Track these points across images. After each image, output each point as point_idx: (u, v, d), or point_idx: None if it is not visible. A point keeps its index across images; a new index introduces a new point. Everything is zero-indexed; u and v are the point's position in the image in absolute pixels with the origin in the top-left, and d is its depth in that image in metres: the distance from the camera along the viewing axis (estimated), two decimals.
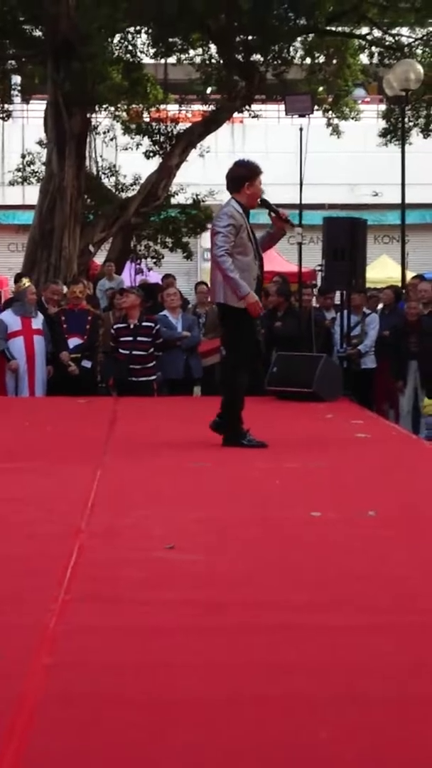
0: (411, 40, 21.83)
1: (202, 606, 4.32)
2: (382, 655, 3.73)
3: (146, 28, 20.48)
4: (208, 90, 22.37)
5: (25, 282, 14.21)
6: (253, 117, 22.62)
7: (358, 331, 13.96)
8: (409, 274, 19.14)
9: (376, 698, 3.35)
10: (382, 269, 25.83)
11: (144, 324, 12.75)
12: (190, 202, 22.40)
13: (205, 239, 30.45)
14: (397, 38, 21.84)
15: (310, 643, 3.89)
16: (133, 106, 22.34)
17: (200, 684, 3.49)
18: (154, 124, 21.87)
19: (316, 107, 19.23)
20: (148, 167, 21.46)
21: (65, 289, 14.63)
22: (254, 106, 22.15)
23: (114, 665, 3.64)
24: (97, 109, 21.11)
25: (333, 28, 21.36)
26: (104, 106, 21.72)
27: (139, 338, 12.65)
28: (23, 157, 23.41)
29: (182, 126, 21.82)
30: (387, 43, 21.92)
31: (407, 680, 3.51)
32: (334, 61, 22.30)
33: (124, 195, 21.99)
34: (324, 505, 6.22)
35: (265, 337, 13.12)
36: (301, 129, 14.09)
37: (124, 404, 11.83)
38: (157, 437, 9.55)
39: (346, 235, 13.16)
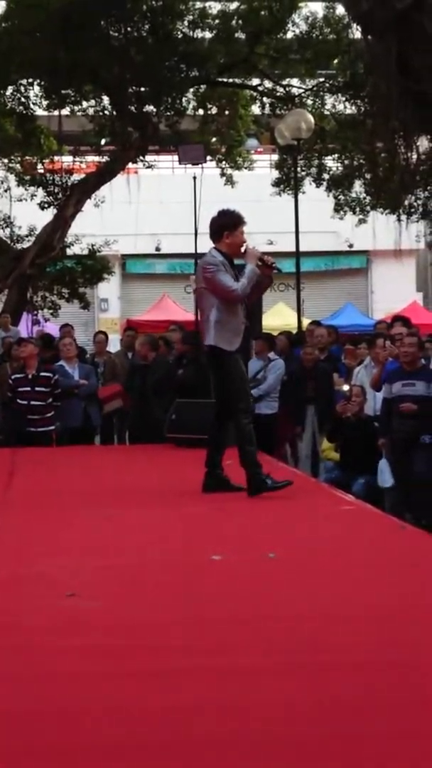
0: (301, 90, 22.18)
1: (106, 652, 4.29)
2: (286, 696, 3.73)
3: (39, 80, 20.52)
4: (102, 141, 22.45)
5: None
6: (147, 167, 22.75)
7: (261, 375, 14.03)
8: (305, 321, 19.33)
9: (281, 739, 3.35)
10: (278, 316, 26.06)
11: (42, 374, 12.72)
12: (86, 252, 22.41)
13: (101, 289, 30.57)
14: (288, 89, 22.17)
15: (215, 685, 3.88)
16: (27, 157, 22.32)
17: (106, 730, 3.46)
18: (48, 175, 21.87)
19: (209, 157, 19.44)
20: (43, 218, 21.44)
21: None
22: (148, 157, 22.30)
23: (18, 712, 3.60)
24: None
25: (225, 79, 21.62)
26: None
27: (37, 388, 12.60)
28: None
29: (77, 177, 21.87)
30: (278, 94, 22.23)
31: (312, 721, 3.52)
32: (227, 112, 22.55)
33: (19, 246, 21.92)
34: (225, 549, 6.23)
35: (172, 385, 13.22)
36: (195, 178, 14.20)
37: (23, 455, 11.74)
38: (57, 487, 9.49)
39: None
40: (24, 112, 21.15)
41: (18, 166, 22.65)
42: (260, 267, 8.79)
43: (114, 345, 17.88)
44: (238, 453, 8.64)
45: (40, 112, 21.75)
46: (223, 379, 8.78)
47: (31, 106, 21.20)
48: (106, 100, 21.35)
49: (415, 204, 21.42)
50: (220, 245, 8.65)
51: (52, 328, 21.80)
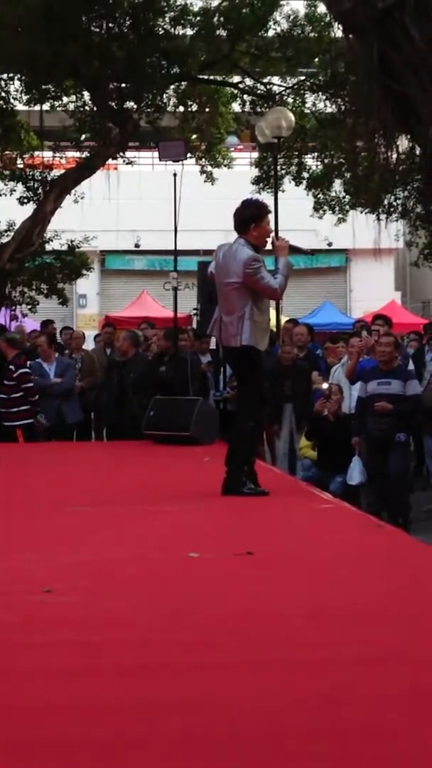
0: (282, 88, 22.18)
1: (80, 647, 4.29)
2: (262, 693, 3.74)
3: (19, 75, 20.46)
4: (82, 137, 22.39)
5: None
6: (127, 164, 22.72)
7: None
8: (284, 319, 19.35)
9: (256, 737, 3.35)
10: None
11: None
12: (65, 248, 22.36)
13: (80, 285, 30.50)
14: (268, 87, 22.16)
15: (190, 682, 3.88)
16: (7, 152, 22.25)
17: (79, 726, 3.44)
18: (28, 170, 21.81)
19: (189, 154, 19.40)
20: (22, 213, 21.37)
21: None
22: (128, 153, 22.26)
23: None
24: None
25: (205, 76, 21.59)
26: None
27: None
28: None
29: (56, 172, 21.81)
30: (259, 92, 22.23)
31: (287, 717, 3.52)
32: (207, 109, 22.53)
33: None
34: (202, 546, 6.24)
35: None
36: (174, 175, 14.19)
37: None
38: (30, 484, 9.49)
39: None
40: (4, 106, 21.08)
41: None
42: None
43: (89, 342, 17.83)
44: (228, 448, 8.60)
45: (20, 107, 21.70)
46: (248, 380, 8.67)
47: (11, 100, 21.14)
48: (86, 95, 21.30)
49: (394, 203, 21.44)
50: (248, 236, 8.52)
51: (31, 323, 21.77)
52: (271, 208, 18.84)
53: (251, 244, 8.50)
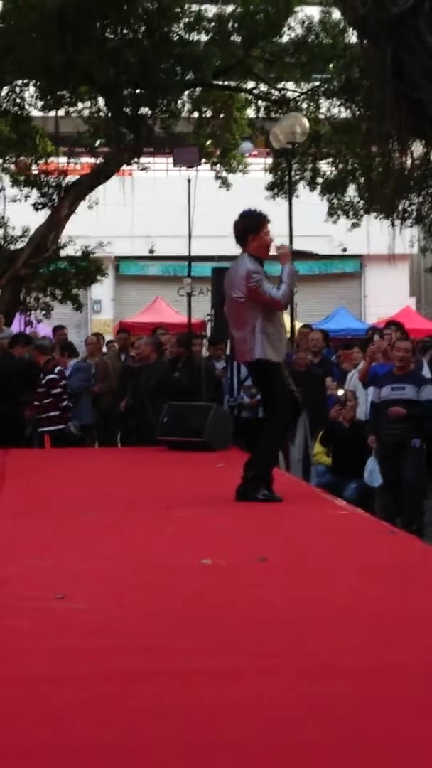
0: (296, 94, 22.18)
1: (90, 654, 4.28)
2: (273, 700, 3.73)
3: (34, 81, 20.51)
4: (97, 142, 22.44)
5: None
6: (141, 169, 22.75)
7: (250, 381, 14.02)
8: (298, 325, 19.33)
9: (267, 744, 3.34)
10: None
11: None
12: (79, 254, 22.39)
13: (94, 291, 30.55)
14: (282, 92, 22.17)
15: (203, 688, 3.88)
16: (22, 158, 22.30)
17: (90, 732, 3.45)
18: (42, 176, 21.86)
19: (204, 160, 19.43)
20: (37, 219, 21.42)
21: None
22: (143, 159, 22.29)
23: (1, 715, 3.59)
24: None
25: (220, 82, 21.61)
26: None
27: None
28: None
29: (71, 178, 21.85)
30: (273, 97, 22.24)
31: (296, 724, 3.51)
32: (222, 115, 22.55)
33: (12, 247, 21.88)
34: (215, 552, 6.22)
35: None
36: (189, 181, 14.19)
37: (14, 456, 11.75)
38: (46, 489, 9.49)
39: None
40: (19, 112, 21.14)
41: (12, 166, 22.63)
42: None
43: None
44: (251, 455, 8.57)
45: (35, 112, 21.74)
46: (271, 392, 8.58)
47: (26, 106, 21.19)
48: (101, 101, 21.35)
49: (408, 209, 21.42)
50: (248, 249, 8.41)
51: (45, 329, 21.80)
52: (286, 213, 18.99)
53: (253, 256, 8.41)
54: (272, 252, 8.53)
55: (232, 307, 8.54)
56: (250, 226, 8.44)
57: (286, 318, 20.02)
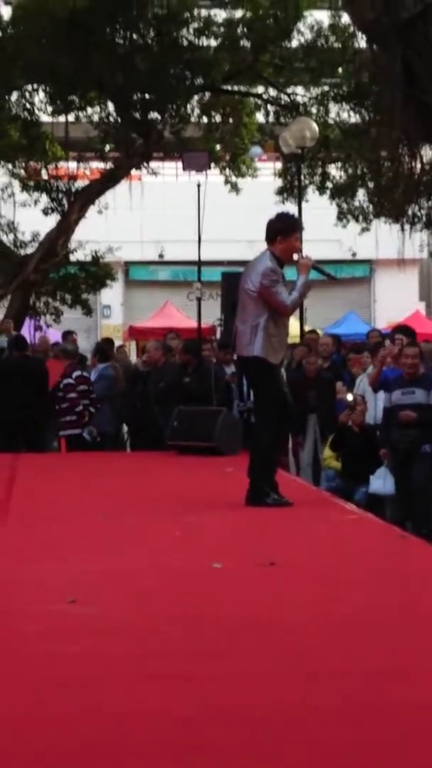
0: (306, 99, 22.19)
1: (100, 658, 4.28)
2: (283, 703, 3.72)
3: (44, 86, 20.56)
4: (107, 147, 22.48)
5: None
6: (151, 174, 22.79)
7: None
8: (307, 329, 19.31)
9: (275, 747, 3.34)
10: None
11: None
12: (89, 258, 22.43)
13: (104, 295, 30.56)
14: (292, 97, 22.18)
15: (215, 691, 3.87)
16: (32, 163, 22.36)
17: (96, 735, 3.44)
18: (52, 181, 21.90)
19: (213, 165, 19.45)
20: (46, 224, 21.46)
21: None
22: (152, 164, 22.33)
23: (10, 718, 3.59)
24: None
25: (229, 87, 21.64)
26: (1, 163, 21.73)
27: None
28: None
29: (81, 183, 21.89)
30: (282, 102, 22.25)
31: (307, 728, 3.50)
32: (231, 120, 22.57)
33: (22, 252, 21.94)
34: (225, 556, 6.23)
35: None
36: (198, 185, 14.20)
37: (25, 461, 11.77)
38: (57, 493, 9.50)
39: None
40: (29, 117, 21.20)
41: (22, 171, 22.68)
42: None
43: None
44: (249, 459, 8.60)
45: (44, 118, 21.80)
46: (261, 392, 8.66)
47: (36, 112, 21.25)
48: (111, 106, 21.39)
49: (418, 213, 21.40)
50: (273, 248, 8.52)
51: (55, 334, 21.84)
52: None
53: (275, 256, 8.49)
54: (295, 257, 8.56)
55: (243, 298, 8.60)
56: (282, 228, 8.56)
57: (296, 322, 20.08)
